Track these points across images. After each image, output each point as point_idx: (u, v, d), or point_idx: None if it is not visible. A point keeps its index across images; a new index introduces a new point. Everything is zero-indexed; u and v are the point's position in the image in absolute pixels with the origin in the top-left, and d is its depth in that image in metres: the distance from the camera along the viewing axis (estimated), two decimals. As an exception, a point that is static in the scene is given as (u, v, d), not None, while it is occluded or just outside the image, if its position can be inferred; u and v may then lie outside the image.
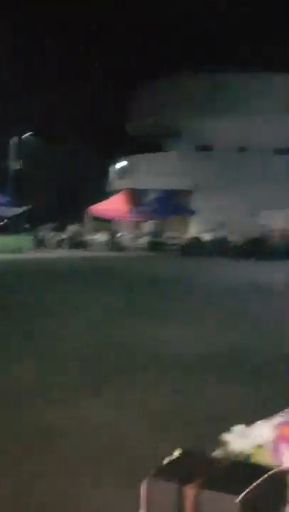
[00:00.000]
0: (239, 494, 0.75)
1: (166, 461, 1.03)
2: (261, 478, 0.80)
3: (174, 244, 32.75)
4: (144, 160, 38.20)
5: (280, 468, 0.90)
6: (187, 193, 35.11)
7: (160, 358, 6.96)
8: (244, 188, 31.50)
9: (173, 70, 37.21)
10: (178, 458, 0.90)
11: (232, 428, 1.53)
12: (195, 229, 34.59)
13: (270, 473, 0.81)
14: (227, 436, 1.49)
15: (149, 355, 7.08)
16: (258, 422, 1.56)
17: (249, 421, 1.54)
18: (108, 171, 41.37)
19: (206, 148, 36.80)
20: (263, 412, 1.75)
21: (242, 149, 36.39)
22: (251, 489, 0.76)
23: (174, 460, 0.90)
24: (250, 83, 35.56)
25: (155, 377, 6.05)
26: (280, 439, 1.44)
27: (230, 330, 9.14)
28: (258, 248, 30.27)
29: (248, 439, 1.44)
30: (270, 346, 7.76)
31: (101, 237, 34.19)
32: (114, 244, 32.99)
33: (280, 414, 1.78)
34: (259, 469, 0.82)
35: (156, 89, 37.26)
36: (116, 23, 46.76)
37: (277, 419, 1.59)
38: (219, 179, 32.73)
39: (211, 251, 30.37)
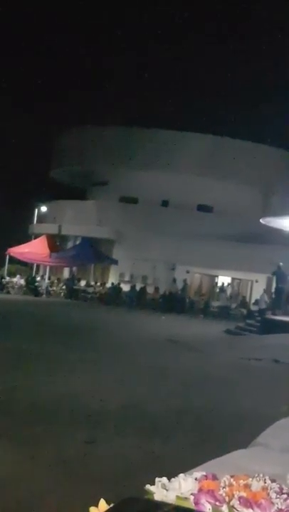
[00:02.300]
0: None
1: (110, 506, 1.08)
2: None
3: (93, 293, 32.71)
4: (68, 206, 38.33)
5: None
6: (109, 242, 35.39)
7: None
8: (166, 242, 32.08)
9: (101, 121, 37.93)
10: (123, 502, 0.95)
11: (156, 479, 1.59)
12: (115, 278, 34.74)
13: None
14: (151, 488, 1.55)
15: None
16: (180, 474, 1.63)
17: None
18: (30, 215, 41.21)
19: (130, 199, 37.40)
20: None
21: (166, 203, 37.22)
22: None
23: (120, 503, 0.96)
24: (176, 140, 36.70)
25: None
26: (201, 492, 1.52)
27: (128, 384, 8.92)
28: (174, 302, 30.74)
29: (171, 491, 1.51)
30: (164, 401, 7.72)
31: (19, 280, 33.65)
32: (31, 289, 32.54)
33: (199, 468, 1.86)
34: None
35: (83, 137, 37.80)
36: (40, 67, 47.42)
37: (197, 473, 1.68)
38: (142, 231, 33.22)
39: (129, 302, 30.53)
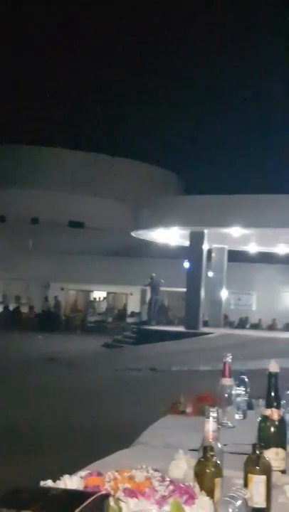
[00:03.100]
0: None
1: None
2: (88, 500, 0.91)
3: None
4: None
5: (102, 493, 1.01)
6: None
7: None
8: (37, 260, 31.69)
9: None
10: (13, 490, 0.96)
11: (41, 483, 1.59)
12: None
13: (95, 495, 0.92)
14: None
15: None
16: (65, 475, 1.65)
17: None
18: None
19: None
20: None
21: (35, 221, 36.81)
22: (81, 509, 0.87)
23: (9, 492, 0.96)
24: (42, 157, 36.59)
25: None
26: (86, 488, 1.55)
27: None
28: (49, 321, 30.42)
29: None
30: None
31: None
32: None
33: (84, 469, 1.88)
34: (86, 494, 0.94)
35: None
36: None
37: (82, 472, 1.70)
38: (12, 250, 32.58)
39: (2, 323, 29.74)
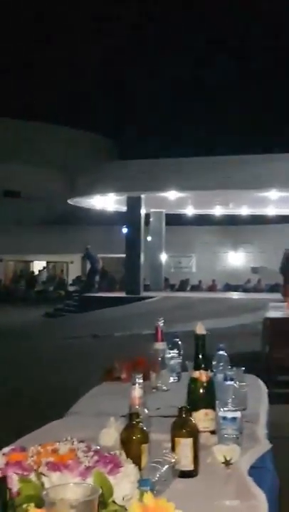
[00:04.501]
0: None
1: None
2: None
3: None
4: None
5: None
6: None
7: None
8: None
9: None
10: None
11: None
12: None
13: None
14: None
15: None
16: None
17: None
18: None
19: None
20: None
21: None
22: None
23: None
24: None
25: None
26: (8, 465, 1.51)
27: None
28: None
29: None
30: None
31: None
32: None
33: (12, 445, 1.84)
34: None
35: None
36: None
37: (6, 448, 1.66)
38: None
39: None
